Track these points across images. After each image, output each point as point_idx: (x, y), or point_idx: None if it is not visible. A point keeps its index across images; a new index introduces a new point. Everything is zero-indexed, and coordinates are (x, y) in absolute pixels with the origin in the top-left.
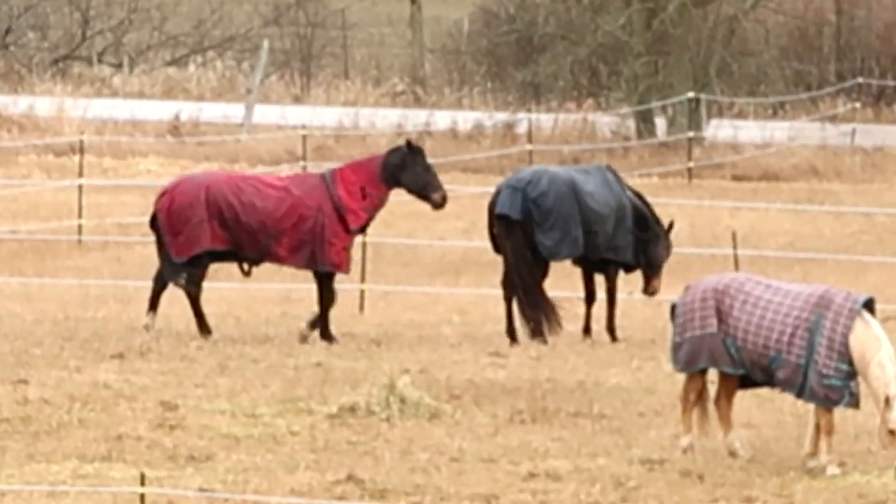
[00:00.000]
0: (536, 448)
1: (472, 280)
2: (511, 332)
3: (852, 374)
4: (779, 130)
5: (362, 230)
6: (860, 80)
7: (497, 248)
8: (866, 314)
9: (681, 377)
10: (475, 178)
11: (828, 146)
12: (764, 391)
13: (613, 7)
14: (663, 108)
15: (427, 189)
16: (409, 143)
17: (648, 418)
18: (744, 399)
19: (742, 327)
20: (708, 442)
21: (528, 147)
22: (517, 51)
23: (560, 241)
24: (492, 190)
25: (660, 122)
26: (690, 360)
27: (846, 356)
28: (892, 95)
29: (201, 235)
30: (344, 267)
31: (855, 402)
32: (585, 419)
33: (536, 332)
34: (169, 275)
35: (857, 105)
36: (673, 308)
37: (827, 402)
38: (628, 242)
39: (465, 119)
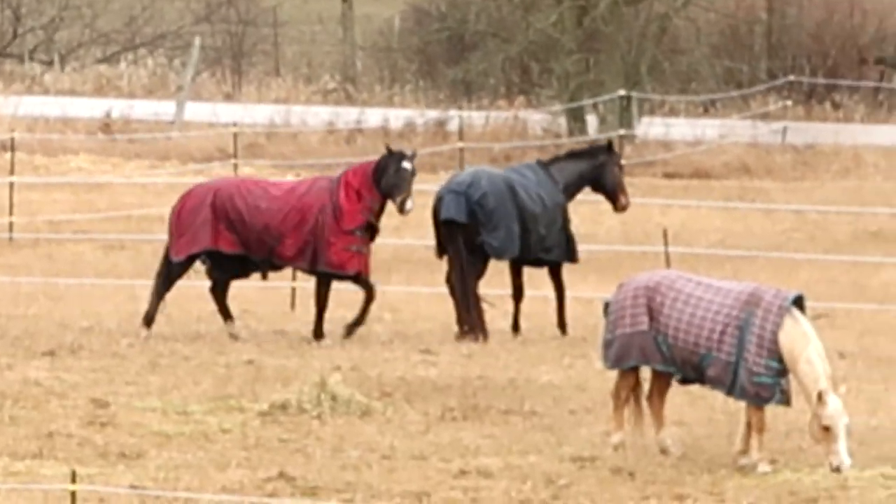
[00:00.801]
0: (468, 445)
1: (403, 278)
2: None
3: (782, 372)
4: (710, 128)
5: (369, 234)
6: (791, 77)
7: (442, 251)
8: (795, 311)
9: (612, 374)
10: None
11: (759, 144)
12: (695, 388)
13: (545, 5)
14: (594, 106)
15: (392, 193)
16: (387, 148)
17: (579, 416)
18: (675, 396)
19: (673, 325)
20: (639, 439)
21: (460, 145)
22: (448, 48)
23: (505, 240)
24: (424, 188)
25: (591, 120)
26: (621, 357)
27: (776, 354)
28: (822, 93)
29: (202, 236)
30: (346, 267)
31: (786, 400)
32: (516, 416)
33: (469, 333)
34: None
35: (789, 103)
36: (606, 305)
37: (758, 400)
38: (560, 241)
39: (397, 117)
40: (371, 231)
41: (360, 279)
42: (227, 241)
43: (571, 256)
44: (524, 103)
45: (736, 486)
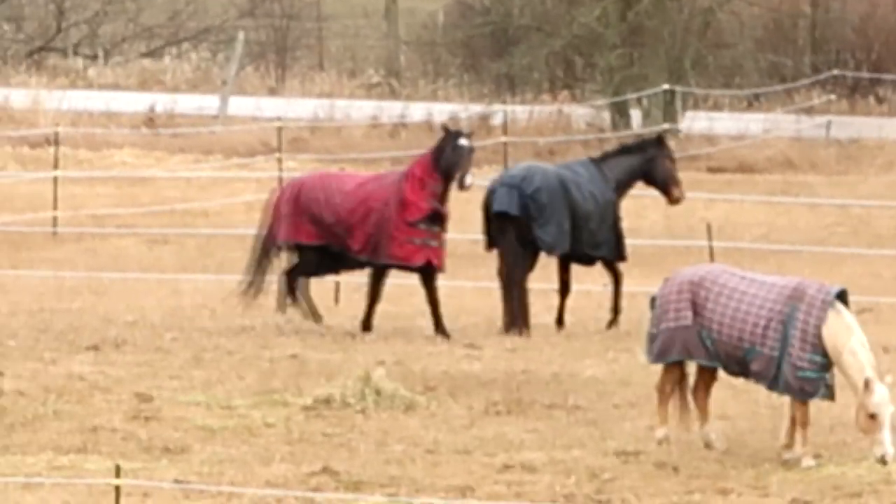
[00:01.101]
0: (511, 440)
1: (447, 272)
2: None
3: (827, 366)
4: (754, 122)
5: (438, 225)
6: (835, 72)
7: (491, 244)
8: (839, 305)
9: (656, 369)
10: None
11: (803, 138)
12: (739, 382)
13: None
14: (638, 100)
15: (451, 170)
16: (444, 128)
17: (623, 410)
18: (719, 391)
19: (717, 319)
20: (685, 433)
21: (504, 139)
22: (492, 43)
23: (557, 235)
24: (468, 182)
25: (635, 114)
26: (664, 351)
27: (820, 348)
28: (867, 87)
29: (282, 229)
30: (412, 259)
31: (830, 395)
32: (560, 411)
33: (514, 326)
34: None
35: (833, 97)
36: (652, 300)
37: (802, 395)
38: (610, 238)
39: (441, 111)
40: (440, 220)
41: (427, 274)
42: (309, 234)
43: (620, 254)
44: (568, 97)
45: (780, 481)
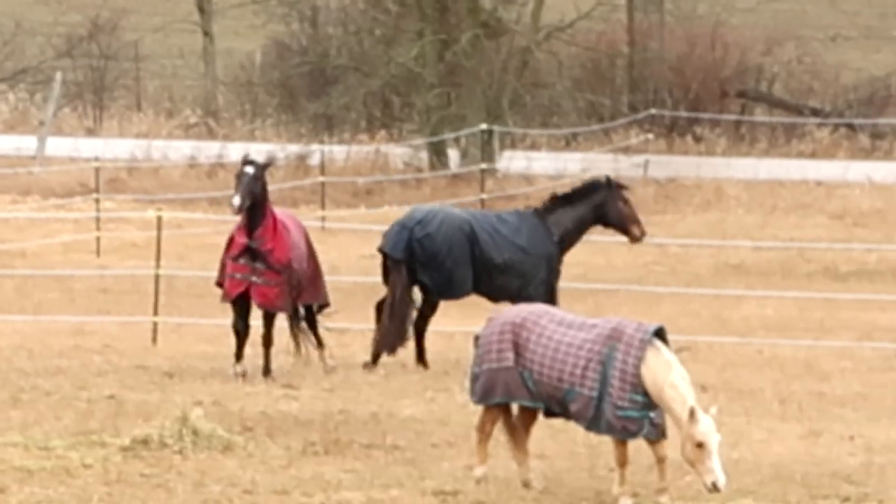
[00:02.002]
0: (329, 480)
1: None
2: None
3: (649, 405)
4: (572, 162)
5: (258, 260)
6: (653, 111)
7: (385, 279)
8: (657, 342)
9: (474, 408)
10: None
11: (621, 177)
12: (557, 422)
13: (406, 39)
14: (456, 140)
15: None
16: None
17: (441, 449)
18: (537, 430)
19: (538, 360)
20: (526, 473)
21: (321, 179)
22: (310, 82)
23: (444, 282)
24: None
25: (453, 154)
26: (487, 392)
27: (639, 387)
28: (684, 126)
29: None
30: (230, 293)
31: (660, 433)
32: (378, 451)
33: (378, 355)
34: None
35: (650, 136)
36: (476, 339)
37: (625, 434)
38: (540, 293)
39: (258, 151)
40: (260, 256)
41: (265, 313)
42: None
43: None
44: (386, 137)
45: None
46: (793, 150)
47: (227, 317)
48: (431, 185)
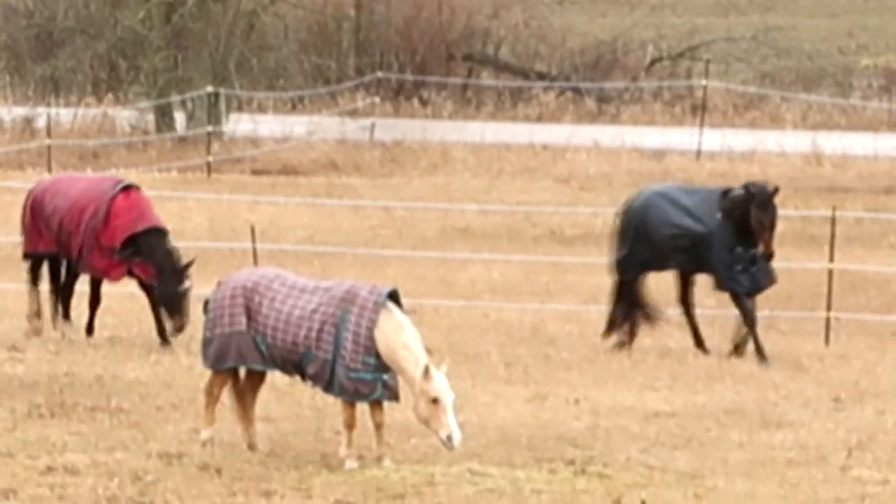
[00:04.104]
0: (54, 442)
1: None
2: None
3: (382, 367)
4: (298, 125)
5: None
6: (379, 74)
7: None
8: (390, 305)
9: (200, 371)
10: None
11: (347, 140)
12: (282, 384)
13: (132, 1)
14: (182, 103)
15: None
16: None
17: (166, 412)
18: (263, 393)
19: (271, 325)
20: (252, 436)
21: (48, 142)
22: (36, 45)
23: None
24: (11, 185)
25: (179, 117)
26: (219, 357)
27: (372, 349)
28: (410, 90)
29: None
30: None
31: (393, 395)
32: (103, 413)
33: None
34: None
35: (377, 100)
36: (205, 303)
37: (357, 396)
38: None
39: None
40: None
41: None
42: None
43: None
44: (112, 100)
45: (323, 482)
46: (519, 114)
47: None
48: (158, 148)
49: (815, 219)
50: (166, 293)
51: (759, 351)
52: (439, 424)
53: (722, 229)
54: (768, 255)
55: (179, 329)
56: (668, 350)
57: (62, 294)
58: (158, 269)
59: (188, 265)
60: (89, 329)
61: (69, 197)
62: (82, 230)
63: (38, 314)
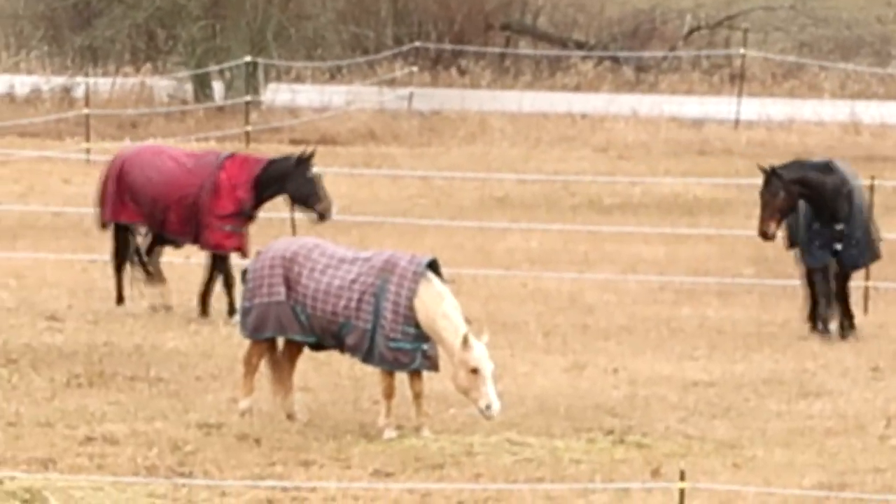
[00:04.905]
0: (93, 412)
1: (29, 244)
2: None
3: (422, 337)
4: (336, 94)
5: None
6: (417, 44)
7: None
8: (430, 275)
9: (239, 341)
10: (32, 142)
11: (385, 110)
12: (321, 355)
13: None
14: (221, 73)
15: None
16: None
17: (205, 382)
18: (301, 363)
19: (311, 294)
20: (289, 406)
21: (86, 111)
22: (74, 15)
23: None
24: (51, 154)
25: (217, 86)
26: (258, 327)
27: (412, 319)
28: (448, 59)
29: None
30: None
31: (432, 365)
32: (142, 383)
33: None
34: None
35: (415, 69)
36: (244, 273)
37: (396, 366)
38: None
39: (23, 83)
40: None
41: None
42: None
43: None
44: (151, 70)
45: (362, 452)
46: (557, 83)
47: None
48: (196, 118)
49: None
50: (298, 185)
51: (824, 322)
52: (478, 394)
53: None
54: (761, 234)
55: (326, 210)
56: (706, 319)
57: (142, 263)
58: (284, 171)
59: (310, 155)
60: (231, 310)
61: (164, 171)
62: (187, 205)
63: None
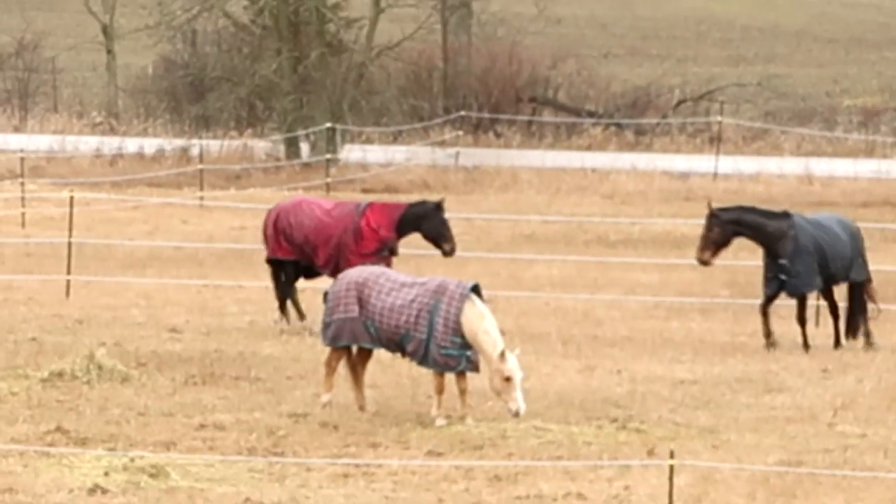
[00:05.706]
0: (206, 405)
1: (155, 272)
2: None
3: (467, 345)
4: (398, 153)
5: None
6: (462, 113)
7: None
8: (473, 296)
9: (322, 348)
10: (158, 191)
11: (437, 165)
12: (386, 358)
13: (267, 55)
14: (307, 136)
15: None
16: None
17: (294, 381)
18: (370, 365)
19: (378, 311)
20: (361, 401)
21: (200, 167)
22: (191, 90)
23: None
24: (171, 200)
25: (304, 147)
26: (336, 337)
27: (459, 331)
28: (487, 125)
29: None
30: None
31: (474, 367)
32: (245, 381)
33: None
34: None
35: (460, 133)
36: (325, 295)
37: (446, 368)
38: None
39: (150, 144)
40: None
41: None
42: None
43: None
44: (251, 134)
45: (418, 437)
46: (573, 144)
47: (125, 276)
48: (287, 172)
49: None
50: (433, 226)
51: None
52: (509, 398)
53: None
54: (698, 260)
55: (453, 249)
56: (691, 331)
57: (295, 303)
58: (422, 213)
59: (441, 201)
60: None
61: (313, 217)
62: (333, 245)
63: (297, 310)
